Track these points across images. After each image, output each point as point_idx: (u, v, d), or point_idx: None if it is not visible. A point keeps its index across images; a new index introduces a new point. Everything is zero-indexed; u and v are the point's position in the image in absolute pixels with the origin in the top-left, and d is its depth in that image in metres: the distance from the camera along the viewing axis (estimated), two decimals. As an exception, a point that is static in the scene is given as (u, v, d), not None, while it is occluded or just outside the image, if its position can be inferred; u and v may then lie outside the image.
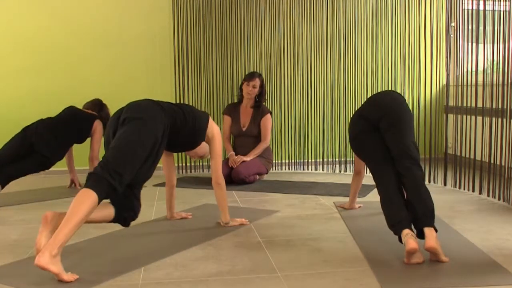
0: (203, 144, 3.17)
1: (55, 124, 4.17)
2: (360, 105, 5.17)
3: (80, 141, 4.39)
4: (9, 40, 5.22)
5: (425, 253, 2.44)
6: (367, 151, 2.88)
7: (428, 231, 2.44)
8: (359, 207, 3.58)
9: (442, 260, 2.42)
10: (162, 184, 3.31)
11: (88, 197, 2.29)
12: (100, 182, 2.35)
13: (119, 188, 2.40)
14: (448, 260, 2.43)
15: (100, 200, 2.34)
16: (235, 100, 5.16)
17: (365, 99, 5.11)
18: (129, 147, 2.50)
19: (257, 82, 4.84)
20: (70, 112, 4.36)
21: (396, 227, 2.50)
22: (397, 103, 2.89)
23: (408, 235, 2.41)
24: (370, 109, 2.95)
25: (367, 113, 2.92)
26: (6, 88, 5.21)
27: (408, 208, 2.55)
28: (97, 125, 4.38)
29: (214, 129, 3.11)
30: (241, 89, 4.93)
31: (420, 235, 2.48)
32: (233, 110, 4.98)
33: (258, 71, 5.36)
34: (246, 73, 5.16)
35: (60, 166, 4.61)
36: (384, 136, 2.78)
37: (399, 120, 2.77)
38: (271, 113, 4.95)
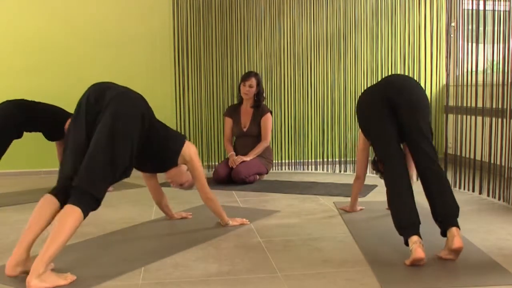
0: (184, 171, 3.04)
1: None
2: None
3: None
4: (9, 40, 5.22)
5: (426, 254, 2.43)
6: (378, 131, 2.70)
7: (456, 231, 2.41)
8: (361, 209, 3.54)
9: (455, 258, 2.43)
10: (162, 184, 3.31)
11: (73, 213, 2.20)
12: (83, 196, 2.24)
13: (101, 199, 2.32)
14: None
15: (85, 216, 2.25)
16: (235, 100, 5.16)
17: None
18: (108, 163, 2.31)
19: (253, 81, 4.84)
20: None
21: (405, 230, 2.44)
22: (417, 87, 2.79)
23: (417, 243, 2.37)
24: (387, 87, 2.79)
25: (384, 90, 2.76)
26: (6, 88, 5.20)
27: (431, 202, 2.51)
28: None
29: (191, 150, 2.98)
30: (239, 90, 4.94)
31: (444, 233, 2.46)
32: (233, 111, 4.99)
33: (258, 71, 5.37)
34: (246, 73, 5.17)
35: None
36: (401, 116, 2.64)
37: (421, 104, 2.68)
38: (271, 112, 4.94)
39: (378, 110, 2.71)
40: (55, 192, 2.37)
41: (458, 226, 2.45)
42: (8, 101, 4.21)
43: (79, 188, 2.25)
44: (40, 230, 2.29)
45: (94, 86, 2.61)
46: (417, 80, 4.82)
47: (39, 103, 4.32)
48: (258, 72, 5.37)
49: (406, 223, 2.46)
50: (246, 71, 5.29)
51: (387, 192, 2.61)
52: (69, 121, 4.21)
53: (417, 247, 2.36)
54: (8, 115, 4.12)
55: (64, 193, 2.32)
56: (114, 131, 2.33)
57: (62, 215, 2.22)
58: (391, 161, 2.62)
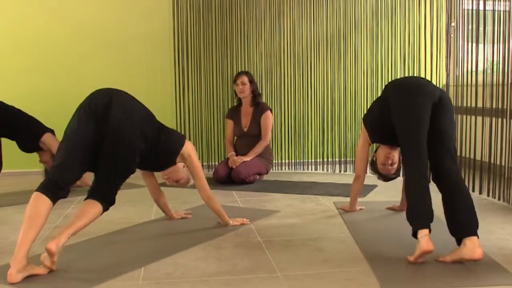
0: (180, 168, 3.06)
1: None
2: (360, 105, 5.25)
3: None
4: (9, 40, 5.22)
5: (428, 255, 2.43)
6: (420, 122, 2.58)
7: (476, 241, 2.37)
8: (361, 209, 3.55)
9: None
10: (162, 184, 3.31)
11: (96, 206, 2.51)
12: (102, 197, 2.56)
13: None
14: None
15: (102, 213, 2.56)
16: (235, 101, 5.16)
17: (366, 99, 5.17)
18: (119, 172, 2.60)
19: (244, 78, 4.85)
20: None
21: (418, 221, 2.41)
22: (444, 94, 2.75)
23: (427, 236, 2.37)
24: (428, 90, 2.67)
25: (427, 91, 2.64)
26: (6, 88, 5.20)
27: (448, 211, 2.49)
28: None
29: (189, 149, 3.01)
30: (235, 93, 4.95)
31: (459, 241, 2.43)
32: (234, 113, 4.99)
33: (258, 71, 5.39)
34: (246, 73, 5.17)
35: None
36: (440, 121, 2.59)
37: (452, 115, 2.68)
38: (271, 110, 4.93)
39: (423, 102, 2.60)
40: (47, 191, 2.39)
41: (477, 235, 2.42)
42: None
43: (98, 192, 2.54)
44: (36, 233, 2.32)
45: (99, 93, 2.69)
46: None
47: (16, 108, 4.27)
48: (258, 72, 5.39)
49: (422, 214, 2.43)
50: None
51: (407, 183, 2.55)
52: (45, 135, 4.23)
53: (428, 240, 2.35)
54: None
55: (57, 193, 2.42)
56: (122, 154, 2.57)
57: (86, 205, 2.49)
58: (421, 156, 2.55)
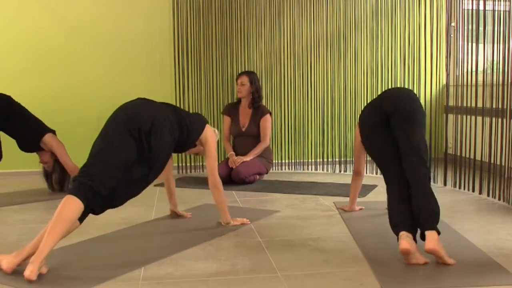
0: (200, 149, 3.19)
1: None
2: (360, 105, 5.26)
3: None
4: (9, 40, 5.22)
5: (430, 256, 2.43)
6: (378, 145, 2.83)
7: (428, 234, 2.42)
8: (360, 209, 3.54)
9: (447, 262, 2.40)
10: (162, 184, 3.31)
11: None
12: None
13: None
14: (454, 262, 2.40)
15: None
16: (235, 98, 5.15)
17: (366, 99, 5.18)
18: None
19: (244, 78, 4.85)
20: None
21: (396, 227, 2.50)
22: (411, 100, 2.86)
23: (403, 235, 2.41)
24: (385, 102, 2.89)
25: (382, 105, 2.87)
26: (6, 88, 5.18)
27: (412, 208, 2.54)
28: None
29: (207, 134, 3.09)
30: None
31: (423, 237, 2.47)
32: (232, 110, 4.99)
33: (258, 71, 5.38)
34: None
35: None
36: (395, 130, 2.74)
37: (413, 116, 2.75)
38: (271, 114, 4.94)
39: (378, 127, 2.83)
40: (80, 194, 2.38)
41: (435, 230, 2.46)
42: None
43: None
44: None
45: (139, 114, 2.66)
46: (417, 80, 4.84)
47: (21, 106, 4.27)
48: (258, 72, 5.38)
49: (398, 220, 2.51)
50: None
51: (387, 198, 2.67)
52: (47, 135, 4.22)
53: (402, 240, 2.40)
54: None
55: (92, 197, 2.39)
56: (154, 175, 2.68)
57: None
58: (391, 168, 2.73)
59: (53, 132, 4.28)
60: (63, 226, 2.27)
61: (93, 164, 2.44)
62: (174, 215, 3.42)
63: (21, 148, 4.31)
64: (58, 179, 4.29)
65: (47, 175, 4.35)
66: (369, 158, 3.40)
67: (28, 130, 4.21)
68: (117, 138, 2.53)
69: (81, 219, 2.37)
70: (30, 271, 2.19)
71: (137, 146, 2.54)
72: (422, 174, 2.59)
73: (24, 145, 4.28)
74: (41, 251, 2.22)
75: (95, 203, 2.39)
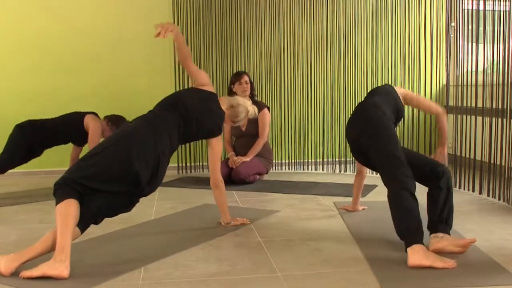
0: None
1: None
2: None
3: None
4: (9, 40, 5.21)
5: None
6: (363, 162, 2.98)
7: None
8: (363, 209, 3.52)
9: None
10: (162, 184, 3.30)
11: None
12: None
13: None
14: (453, 264, 2.36)
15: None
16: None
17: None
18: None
19: (246, 77, 4.84)
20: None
21: (407, 238, 2.45)
22: (369, 119, 2.85)
23: (415, 249, 2.38)
24: (348, 131, 3.01)
25: (349, 135, 3.00)
26: (6, 88, 5.21)
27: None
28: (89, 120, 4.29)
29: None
30: (233, 92, 4.78)
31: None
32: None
33: (258, 71, 5.39)
34: (246, 73, 5.15)
35: (60, 166, 4.63)
36: (369, 155, 2.79)
37: (376, 140, 2.74)
38: (268, 108, 4.92)
39: (355, 153, 2.99)
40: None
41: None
42: (18, 127, 4.20)
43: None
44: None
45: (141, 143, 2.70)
46: (417, 80, 4.84)
47: (46, 121, 4.28)
48: (258, 72, 5.39)
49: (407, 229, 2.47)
50: (246, 71, 5.28)
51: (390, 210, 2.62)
52: (87, 117, 4.22)
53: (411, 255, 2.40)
54: (19, 141, 4.14)
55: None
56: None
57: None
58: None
59: (92, 113, 4.33)
60: (71, 221, 2.33)
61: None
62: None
63: (79, 145, 4.41)
64: None
65: None
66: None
67: (69, 132, 4.28)
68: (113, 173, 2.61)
69: (82, 221, 2.42)
70: (65, 268, 2.23)
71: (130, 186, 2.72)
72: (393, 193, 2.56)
73: (81, 140, 4.34)
74: (62, 246, 2.26)
75: (84, 192, 2.45)
